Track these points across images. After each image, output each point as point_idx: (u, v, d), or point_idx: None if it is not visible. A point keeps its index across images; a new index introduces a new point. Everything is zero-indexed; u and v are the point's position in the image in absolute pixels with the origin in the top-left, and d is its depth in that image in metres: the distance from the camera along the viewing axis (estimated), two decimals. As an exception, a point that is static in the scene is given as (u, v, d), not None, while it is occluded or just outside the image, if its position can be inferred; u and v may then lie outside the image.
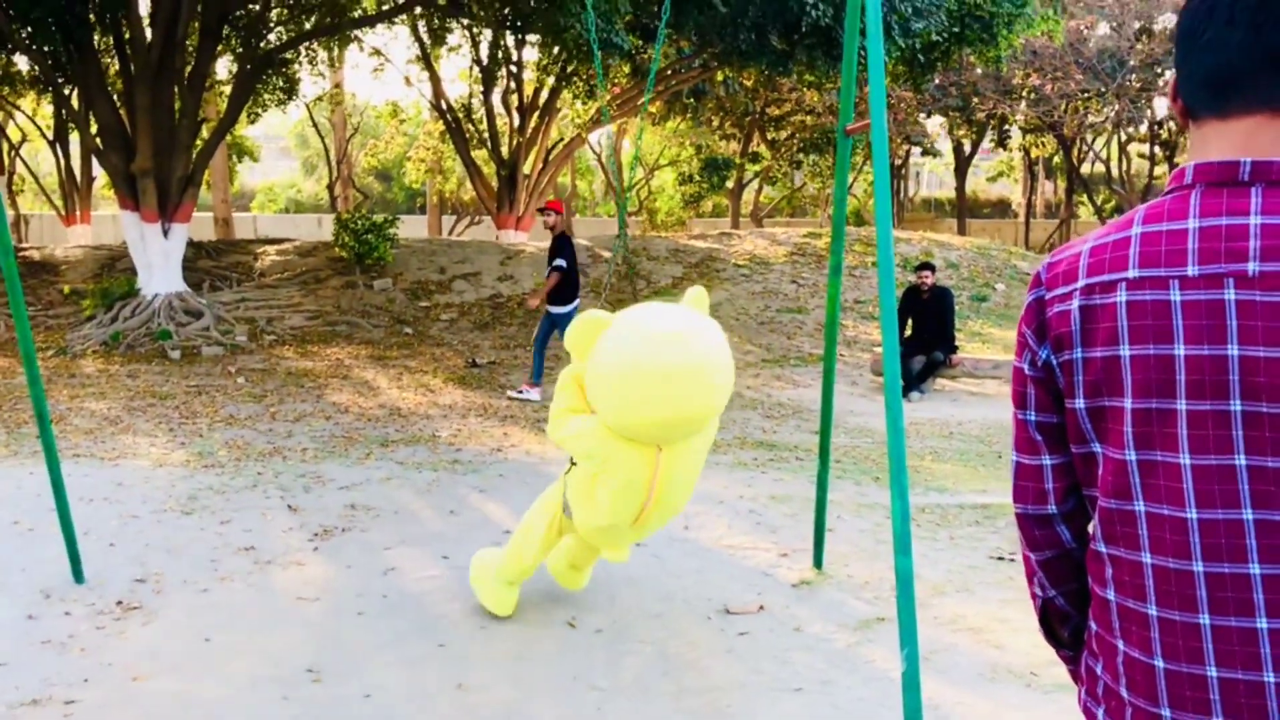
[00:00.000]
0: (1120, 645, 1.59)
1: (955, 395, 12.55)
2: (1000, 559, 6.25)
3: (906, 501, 3.79)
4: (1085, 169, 38.66)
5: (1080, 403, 1.60)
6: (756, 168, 34.85)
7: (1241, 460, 1.44)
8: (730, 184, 34.33)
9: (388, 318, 16.31)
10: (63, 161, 26.61)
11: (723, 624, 5.27)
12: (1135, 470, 1.53)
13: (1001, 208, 50.25)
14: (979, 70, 27.08)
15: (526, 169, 22.23)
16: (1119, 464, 1.55)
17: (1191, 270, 1.47)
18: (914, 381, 12.19)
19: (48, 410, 5.66)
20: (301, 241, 20.78)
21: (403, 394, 11.65)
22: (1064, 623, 1.81)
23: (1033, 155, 38.88)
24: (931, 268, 12.76)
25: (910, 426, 10.00)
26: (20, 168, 29.87)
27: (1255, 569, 1.44)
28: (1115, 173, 35.60)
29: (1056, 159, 39.06)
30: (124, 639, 5.05)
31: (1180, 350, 1.47)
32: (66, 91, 19.15)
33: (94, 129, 16.62)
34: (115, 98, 16.51)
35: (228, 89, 20.96)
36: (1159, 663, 1.52)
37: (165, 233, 15.57)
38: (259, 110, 23.40)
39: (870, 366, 13.74)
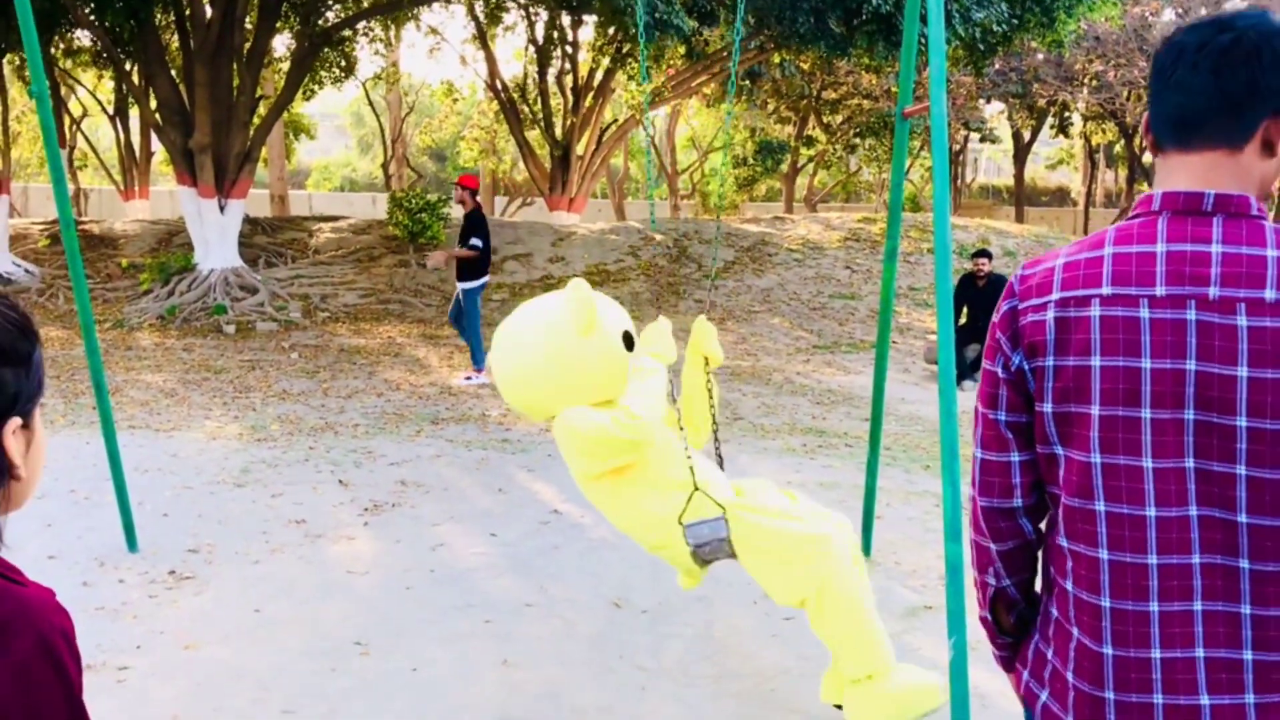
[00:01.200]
0: (1075, 632, 1.74)
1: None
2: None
3: (958, 488, 3.75)
4: (1147, 158, 37.99)
5: (1048, 407, 1.74)
6: (811, 151, 34.59)
7: (1190, 464, 1.61)
8: (784, 168, 34.11)
9: (440, 297, 16.39)
10: (122, 136, 26.91)
11: (768, 609, 5.25)
12: (1099, 472, 1.68)
13: (1060, 196, 49.54)
14: (1040, 56, 26.67)
15: (580, 150, 22.22)
16: (1083, 465, 1.70)
17: (1159, 290, 1.63)
18: (967, 370, 12.07)
19: (105, 381, 5.75)
20: (356, 219, 20.92)
21: (453, 373, 11.71)
22: (1010, 609, 1.96)
23: (1093, 143, 38.29)
24: (988, 255, 12.61)
25: (962, 415, 9.91)
26: (81, 142, 30.29)
27: (1196, 559, 1.63)
28: (1177, 162, 34.94)
29: (1118, 147, 38.45)
30: (176, 608, 5.13)
31: (1147, 364, 1.63)
32: (127, 67, 19.38)
33: (153, 105, 16.83)
34: (175, 74, 16.70)
35: (285, 66, 21.13)
36: (1107, 650, 1.69)
37: (222, 208, 15.74)
38: (315, 88, 23.56)
39: (923, 354, 13.62)
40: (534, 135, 24.32)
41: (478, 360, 11.18)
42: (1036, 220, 37.40)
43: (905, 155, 5.39)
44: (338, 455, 8.00)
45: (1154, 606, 1.64)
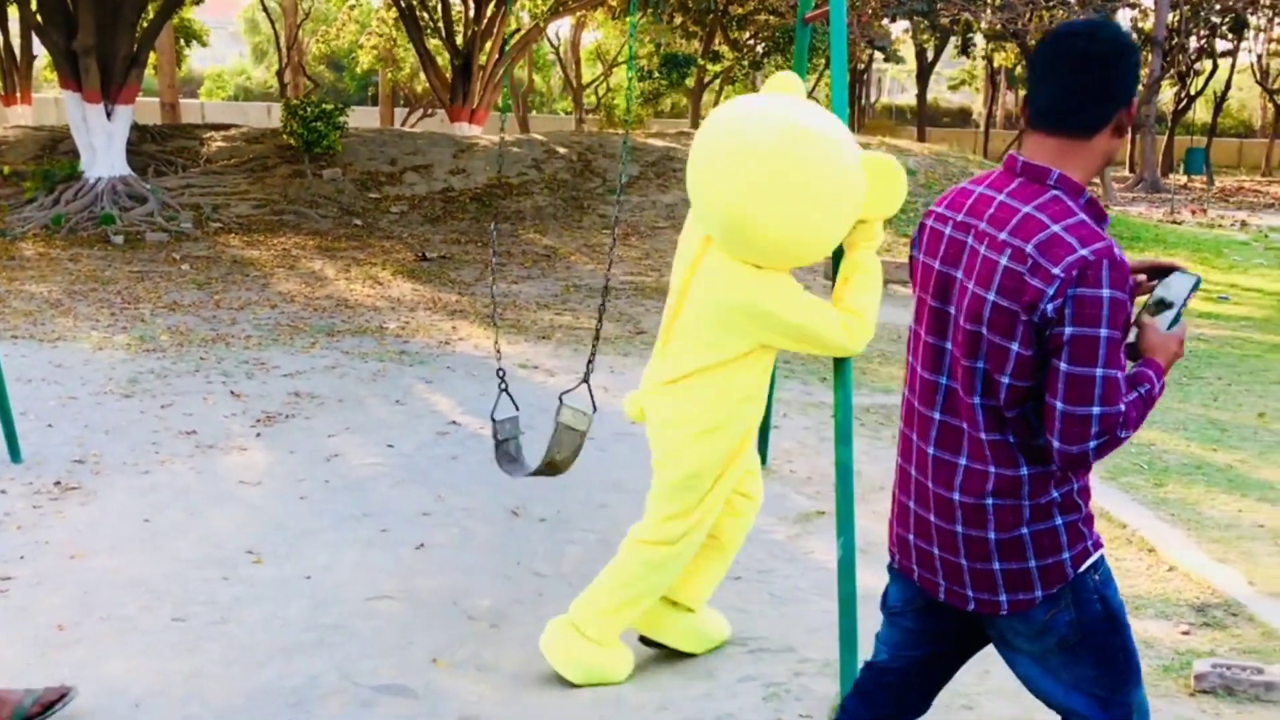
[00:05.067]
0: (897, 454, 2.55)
1: (906, 300, 12.61)
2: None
3: (849, 393, 3.82)
4: (1045, 80, 38.35)
5: (916, 290, 2.44)
6: (717, 67, 34.38)
7: (947, 344, 2.30)
8: (690, 83, 33.86)
9: (336, 208, 16.06)
10: (1, 38, 25.70)
11: (665, 515, 5.30)
12: (911, 334, 2.43)
13: (963, 117, 50.05)
14: (944, -26, 26.72)
15: (482, 60, 21.77)
16: (911, 331, 2.44)
17: (960, 217, 2.29)
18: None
19: (-19, 286, 5.53)
20: (249, 128, 20.31)
21: (350, 286, 11.52)
22: None
23: (995, 64, 38.64)
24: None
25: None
26: (-43, 44, 28.82)
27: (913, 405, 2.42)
28: (1075, 84, 35.38)
29: (1019, 69, 38.84)
30: (62, 518, 5.01)
31: (936, 265, 2.33)
32: (4, -37, 18.43)
33: (34, 4, 16.06)
34: (55, -29, 15.91)
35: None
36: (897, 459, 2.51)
37: (109, 114, 15.14)
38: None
39: (822, 271, 13.72)
40: (434, 44, 23.76)
41: None
42: (939, 141, 37.65)
43: (805, 64, 5.36)
44: (229, 366, 7.84)
45: (913, 434, 2.42)
